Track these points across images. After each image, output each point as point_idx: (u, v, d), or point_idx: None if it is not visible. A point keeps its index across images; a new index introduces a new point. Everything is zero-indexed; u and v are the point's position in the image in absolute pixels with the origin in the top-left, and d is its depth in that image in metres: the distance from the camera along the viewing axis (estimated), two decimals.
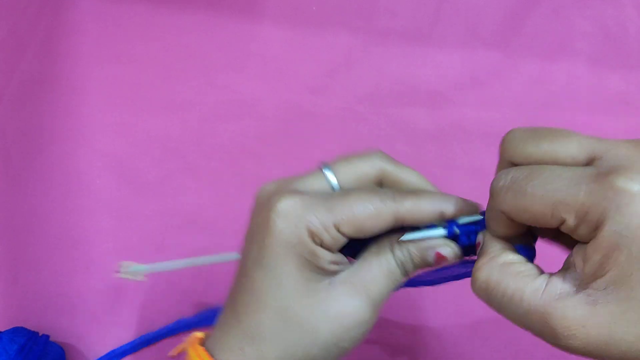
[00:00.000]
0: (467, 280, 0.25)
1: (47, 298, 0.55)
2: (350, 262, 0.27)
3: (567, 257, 0.22)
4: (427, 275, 0.29)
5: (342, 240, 0.25)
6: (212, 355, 0.25)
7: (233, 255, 0.31)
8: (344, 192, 0.25)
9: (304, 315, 0.24)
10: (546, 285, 0.21)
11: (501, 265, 0.23)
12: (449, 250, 0.26)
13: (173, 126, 0.55)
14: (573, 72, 0.54)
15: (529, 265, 0.23)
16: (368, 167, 0.27)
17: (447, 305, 0.52)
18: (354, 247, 0.27)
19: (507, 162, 0.23)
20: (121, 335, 0.54)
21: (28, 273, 0.55)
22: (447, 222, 0.26)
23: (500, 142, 0.24)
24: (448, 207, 0.25)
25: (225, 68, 0.55)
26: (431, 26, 0.54)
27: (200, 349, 0.26)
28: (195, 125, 0.55)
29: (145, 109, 0.55)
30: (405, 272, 0.26)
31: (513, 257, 0.23)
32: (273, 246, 0.24)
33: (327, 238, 0.24)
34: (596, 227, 0.19)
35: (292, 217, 0.24)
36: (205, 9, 0.55)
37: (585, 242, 0.20)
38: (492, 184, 0.23)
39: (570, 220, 0.19)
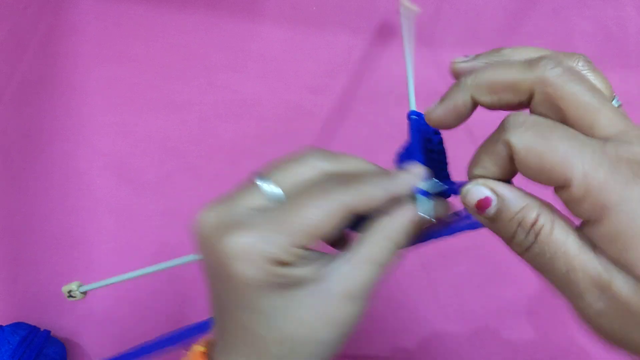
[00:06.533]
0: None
1: (47, 298, 0.55)
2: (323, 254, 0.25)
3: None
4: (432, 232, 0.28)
5: (306, 252, 0.24)
6: None
7: (191, 257, 0.32)
8: (288, 203, 0.24)
9: (290, 338, 0.24)
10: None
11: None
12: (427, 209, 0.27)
13: (173, 126, 0.55)
14: None
15: None
16: (308, 171, 0.26)
17: (447, 306, 0.52)
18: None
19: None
20: (121, 334, 0.55)
21: (28, 273, 0.55)
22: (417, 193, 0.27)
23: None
24: (396, 187, 0.26)
25: (225, 68, 0.55)
26: (431, 26, 0.54)
27: None
28: (195, 125, 0.55)
29: (145, 109, 0.55)
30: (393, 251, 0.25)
31: None
32: (240, 288, 0.23)
33: (289, 259, 0.23)
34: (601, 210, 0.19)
35: (248, 256, 0.23)
36: (205, 9, 0.55)
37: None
38: (507, 119, 0.23)
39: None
